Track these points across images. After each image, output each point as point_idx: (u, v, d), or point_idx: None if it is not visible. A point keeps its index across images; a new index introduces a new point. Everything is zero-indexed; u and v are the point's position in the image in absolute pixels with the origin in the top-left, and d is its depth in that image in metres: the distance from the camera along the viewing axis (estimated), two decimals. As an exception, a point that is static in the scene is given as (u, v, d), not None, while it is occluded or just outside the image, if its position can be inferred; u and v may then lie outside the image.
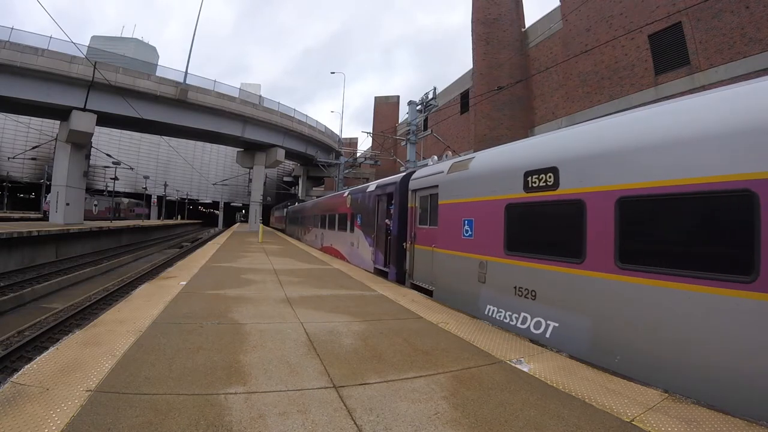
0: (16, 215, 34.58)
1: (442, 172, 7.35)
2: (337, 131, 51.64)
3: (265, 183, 39.05)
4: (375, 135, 32.62)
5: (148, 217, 54.84)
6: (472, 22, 26.07)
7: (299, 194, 48.51)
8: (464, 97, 28.84)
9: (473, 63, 26.36)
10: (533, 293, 4.85)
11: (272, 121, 34.07)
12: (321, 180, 52.66)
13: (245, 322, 4.74)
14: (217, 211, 71.86)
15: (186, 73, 28.21)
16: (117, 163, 34.30)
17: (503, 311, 5.28)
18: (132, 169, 43.87)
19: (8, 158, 42.75)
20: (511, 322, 5.08)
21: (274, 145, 35.69)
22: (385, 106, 53.48)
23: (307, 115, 40.14)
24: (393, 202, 9.49)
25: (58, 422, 2.30)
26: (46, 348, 4.67)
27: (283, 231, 36.68)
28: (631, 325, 3.74)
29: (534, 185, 4.96)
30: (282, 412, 2.60)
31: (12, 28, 21.67)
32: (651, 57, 16.19)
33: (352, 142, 59.85)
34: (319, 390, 2.97)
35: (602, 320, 4.00)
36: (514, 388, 3.12)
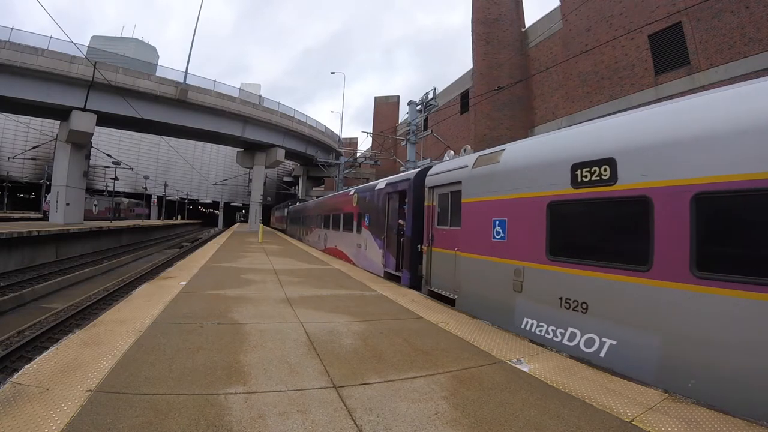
0: (16, 215, 34.56)
1: (466, 166, 6.59)
2: (337, 131, 51.71)
3: (265, 183, 39.07)
4: (375, 135, 32.63)
5: (148, 217, 54.82)
6: (472, 22, 26.09)
7: (299, 194, 48.53)
8: (464, 97, 28.85)
9: (473, 63, 26.37)
10: (584, 306, 4.18)
11: (272, 121, 34.07)
12: (321, 180, 52.68)
13: (245, 322, 4.74)
14: (217, 211, 71.84)
15: (186, 73, 28.22)
16: (117, 163, 34.31)
17: (545, 325, 4.61)
18: (132, 169, 43.89)
19: (8, 158, 42.73)
20: (554, 338, 4.44)
21: (274, 145, 35.69)
22: (385, 106, 53.51)
23: (307, 115, 40.21)
24: (406, 200, 8.79)
25: (58, 422, 2.30)
26: (46, 348, 4.67)
27: (284, 231, 36.56)
28: (711, 344, 3.17)
29: (584, 179, 4.30)
30: (282, 412, 2.60)
31: (12, 28, 21.67)
32: (651, 57, 16.20)
33: (352, 142, 59.86)
34: (319, 390, 2.97)
35: (674, 338, 3.43)
36: (514, 388, 3.12)
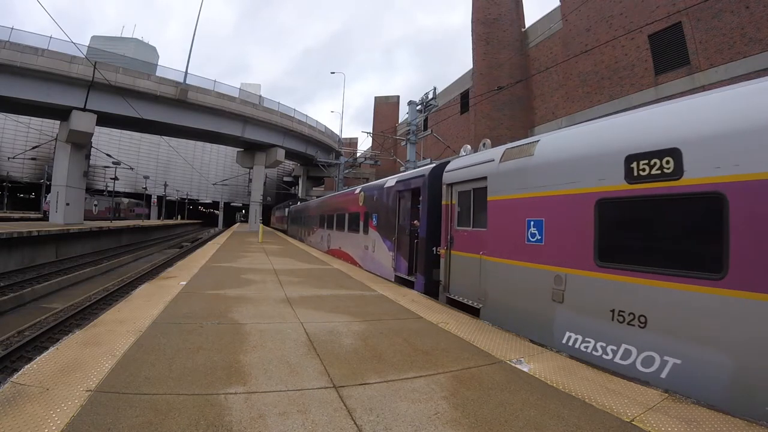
0: (16, 215, 34.57)
1: (492, 160, 5.95)
2: (337, 131, 51.74)
3: (265, 183, 39.07)
4: (375, 135, 32.65)
5: (148, 217, 54.84)
6: (472, 22, 26.10)
7: (299, 194, 48.55)
8: (464, 97, 28.87)
9: (473, 63, 26.39)
10: (642, 319, 3.66)
11: (272, 121, 34.08)
12: (321, 180, 52.70)
13: (245, 322, 4.74)
14: (217, 211, 71.86)
15: (186, 73, 28.22)
16: (117, 163, 34.31)
17: (592, 341, 4.07)
18: (132, 169, 43.89)
19: (8, 158, 42.75)
20: (604, 356, 3.89)
21: (274, 145, 35.70)
22: (385, 106, 53.54)
23: (307, 115, 40.23)
24: (420, 198, 8.17)
25: (58, 422, 2.30)
26: (46, 348, 4.67)
27: (284, 232, 36.32)
28: None
29: (642, 173, 3.76)
30: (282, 412, 2.60)
31: (12, 28, 21.67)
32: (651, 57, 16.21)
33: (352, 142, 59.88)
34: (319, 390, 2.97)
35: (751, 357, 2.99)
36: (514, 388, 3.12)
